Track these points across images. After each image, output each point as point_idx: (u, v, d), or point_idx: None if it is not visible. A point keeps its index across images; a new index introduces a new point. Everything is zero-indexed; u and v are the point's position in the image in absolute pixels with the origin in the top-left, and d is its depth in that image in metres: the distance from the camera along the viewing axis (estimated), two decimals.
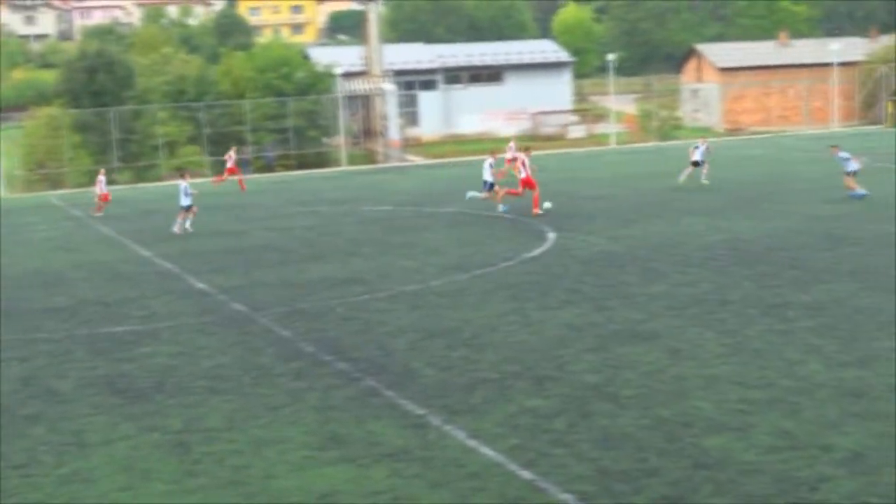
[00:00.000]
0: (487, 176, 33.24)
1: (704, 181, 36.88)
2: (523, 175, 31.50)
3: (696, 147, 38.49)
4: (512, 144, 45.45)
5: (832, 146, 32.93)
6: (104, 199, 40.74)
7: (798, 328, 15.28)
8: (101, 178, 41.32)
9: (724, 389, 12.47)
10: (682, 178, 37.73)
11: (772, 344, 14.48)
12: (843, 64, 75.06)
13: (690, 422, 11.36)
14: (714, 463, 10.14)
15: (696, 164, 37.73)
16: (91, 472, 11.04)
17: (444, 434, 11.49)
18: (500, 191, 32.52)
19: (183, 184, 32.31)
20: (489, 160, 33.50)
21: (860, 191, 30.30)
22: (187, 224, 32.04)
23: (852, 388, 12.22)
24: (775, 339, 14.71)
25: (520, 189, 31.64)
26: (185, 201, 32.02)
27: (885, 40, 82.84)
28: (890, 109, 73.59)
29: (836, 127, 73.96)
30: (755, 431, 10.93)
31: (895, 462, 9.83)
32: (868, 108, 77.74)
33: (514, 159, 41.68)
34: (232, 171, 49.01)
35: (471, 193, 33.49)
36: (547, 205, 31.43)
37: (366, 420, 12.14)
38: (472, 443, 11.12)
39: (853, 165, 31.05)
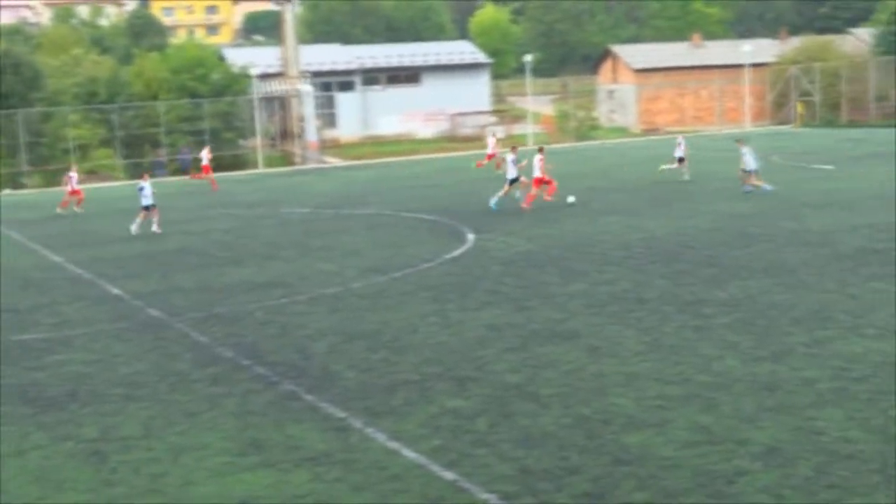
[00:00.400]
0: (512, 172, 32.80)
1: (686, 177, 37.33)
2: (537, 174, 31.91)
3: (679, 143, 38.70)
4: (491, 139, 48.04)
5: (737, 140, 34.73)
6: (75, 193, 40.79)
7: (714, 324, 15.53)
8: (73, 174, 41.76)
9: (642, 386, 12.61)
10: (664, 167, 39.33)
11: (688, 340, 14.69)
12: (754, 65, 76.60)
13: (610, 419, 11.46)
14: (634, 459, 10.24)
15: (681, 160, 38.02)
16: (2, 484, 10.73)
17: (365, 436, 11.42)
18: (525, 182, 32.79)
19: (143, 184, 31.87)
20: (511, 156, 33.02)
21: (748, 186, 32.12)
22: (154, 226, 31.54)
23: (767, 382, 12.44)
24: (692, 336, 14.92)
25: (533, 189, 32.16)
26: (144, 201, 31.49)
27: (795, 42, 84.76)
28: (799, 110, 75.30)
29: (748, 127, 75.40)
30: (673, 427, 11.07)
31: (809, 454, 10.03)
32: (779, 109, 79.45)
33: (494, 156, 43.02)
34: (206, 170, 49.26)
35: (493, 201, 32.91)
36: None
37: (285, 424, 12.00)
38: (394, 444, 11.07)
39: (751, 165, 32.46)
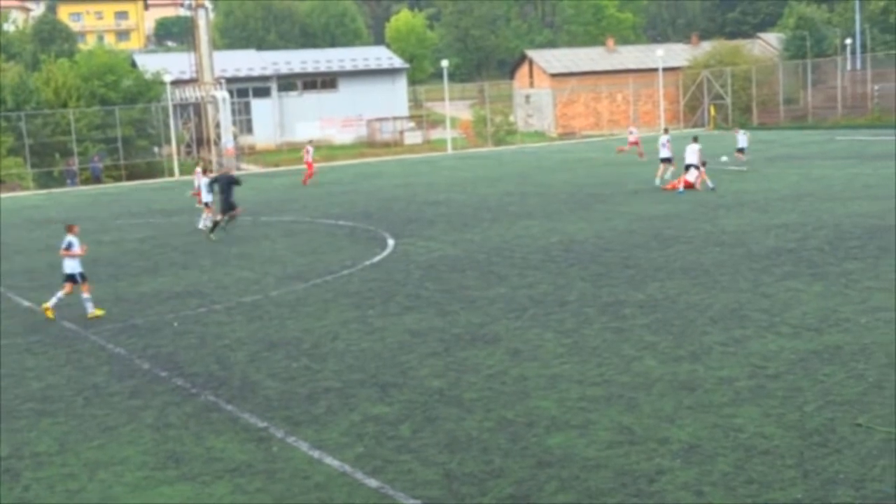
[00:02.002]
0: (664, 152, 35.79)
1: (667, 176, 36.86)
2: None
3: (664, 144, 37.12)
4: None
5: (664, 129, 36.68)
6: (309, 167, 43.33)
7: (633, 325, 15.71)
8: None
9: (564, 388, 12.69)
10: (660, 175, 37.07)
11: (609, 342, 14.83)
12: (667, 69, 77.89)
13: (533, 421, 11.51)
14: (557, 461, 10.29)
15: (666, 160, 36.50)
16: None
17: (287, 446, 11.29)
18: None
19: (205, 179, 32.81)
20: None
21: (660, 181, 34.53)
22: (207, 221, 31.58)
23: (686, 381, 12.62)
24: (612, 337, 15.07)
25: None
26: (207, 197, 31.86)
27: (706, 46, 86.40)
28: (712, 112, 76.78)
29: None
30: (596, 428, 11.16)
31: (727, 451, 10.19)
32: (692, 112, 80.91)
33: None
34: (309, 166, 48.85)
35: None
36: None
37: (205, 436, 11.81)
38: (317, 453, 10.97)
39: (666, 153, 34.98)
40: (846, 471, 9.53)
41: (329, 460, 10.74)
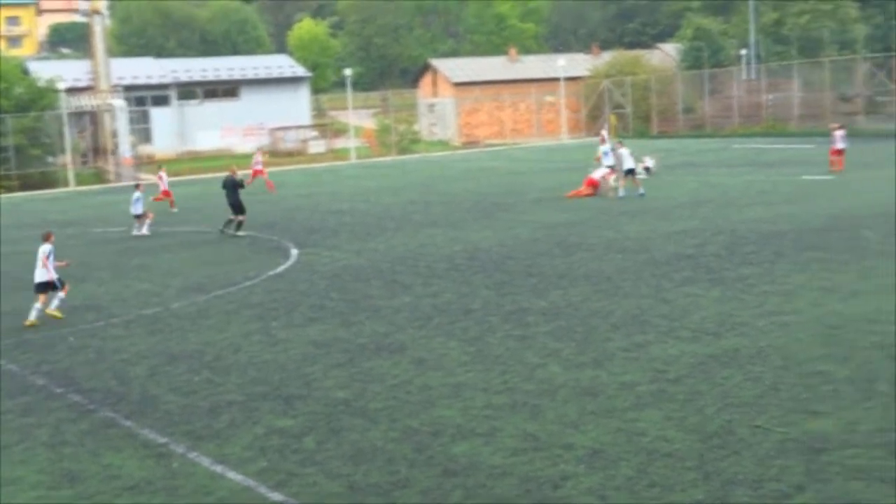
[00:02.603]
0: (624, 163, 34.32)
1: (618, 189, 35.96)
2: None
3: (607, 153, 36.38)
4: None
5: (618, 141, 36.33)
6: (166, 194, 40.93)
7: (537, 333, 15.81)
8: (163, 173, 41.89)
9: (469, 396, 12.69)
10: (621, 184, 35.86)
11: (513, 349, 14.89)
12: (569, 79, 78.96)
13: (439, 430, 11.48)
14: (462, 469, 10.27)
15: (630, 171, 34.83)
16: None
17: (188, 461, 11.05)
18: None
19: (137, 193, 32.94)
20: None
21: (621, 191, 33.99)
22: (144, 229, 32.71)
23: (589, 387, 12.73)
24: (516, 345, 15.14)
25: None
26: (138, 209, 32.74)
27: (606, 56, 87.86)
28: (613, 122, 78.01)
29: (566, 139, 77.57)
30: (501, 435, 11.18)
31: (630, 455, 10.30)
32: (594, 121, 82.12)
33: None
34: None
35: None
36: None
37: (103, 453, 11.50)
38: (219, 468, 10.76)
39: (629, 164, 34.03)
40: (745, 472, 9.71)
41: (232, 475, 10.55)
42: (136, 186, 34.14)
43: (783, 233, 23.95)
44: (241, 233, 30.50)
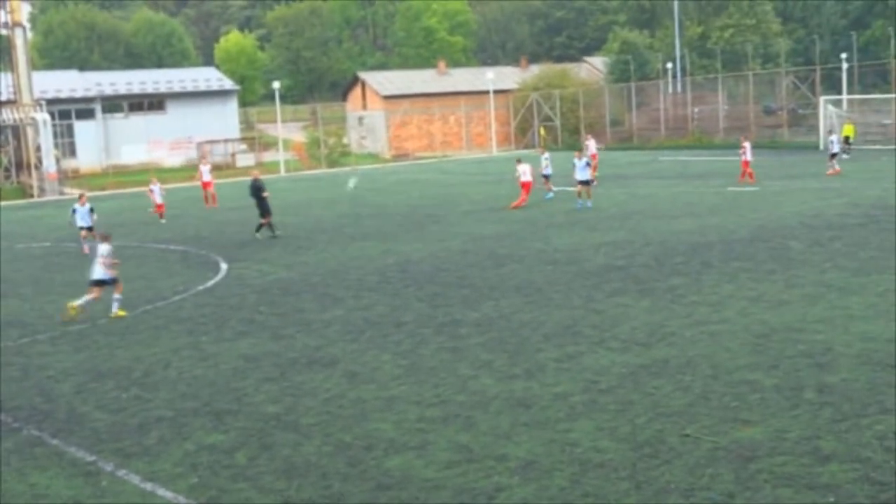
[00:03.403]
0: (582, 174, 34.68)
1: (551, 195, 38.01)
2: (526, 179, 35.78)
3: (582, 167, 34.96)
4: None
5: (577, 151, 37.11)
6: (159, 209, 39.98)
7: (469, 345, 15.82)
8: (156, 186, 40.80)
9: (402, 409, 12.66)
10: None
11: (445, 361, 14.89)
12: (498, 91, 79.44)
13: (372, 444, 11.42)
14: (396, 483, 10.23)
15: (584, 182, 34.64)
16: None
17: (117, 480, 10.85)
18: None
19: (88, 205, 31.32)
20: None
21: (580, 202, 34.23)
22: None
23: (521, 398, 12.77)
24: (448, 357, 15.14)
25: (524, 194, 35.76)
26: (86, 221, 31.13)
27: (535, 69, 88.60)
28: (542, 134, 78.66)
29: (495, 151, 77.99)
30: (434, 448, 11.16)
31: (563, 466, 10.35)
32: (523, 133, 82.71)
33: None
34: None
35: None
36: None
37: (29, 472, 11.24)
38: (149, 486, 10.58)
39: (583, 175, 34.55)
40: (676, 480, 9.81)
41: (162, 492, 10.38)
42: (80, 197, 32.97)
43: (711, 243, 24.33)
44: (277, 232, 31.46)
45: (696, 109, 74.09)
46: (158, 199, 40.41)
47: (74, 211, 31.44)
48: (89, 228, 31.04)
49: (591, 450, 10.77)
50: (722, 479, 9.75)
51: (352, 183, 31.85)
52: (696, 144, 68.12)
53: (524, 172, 35.95)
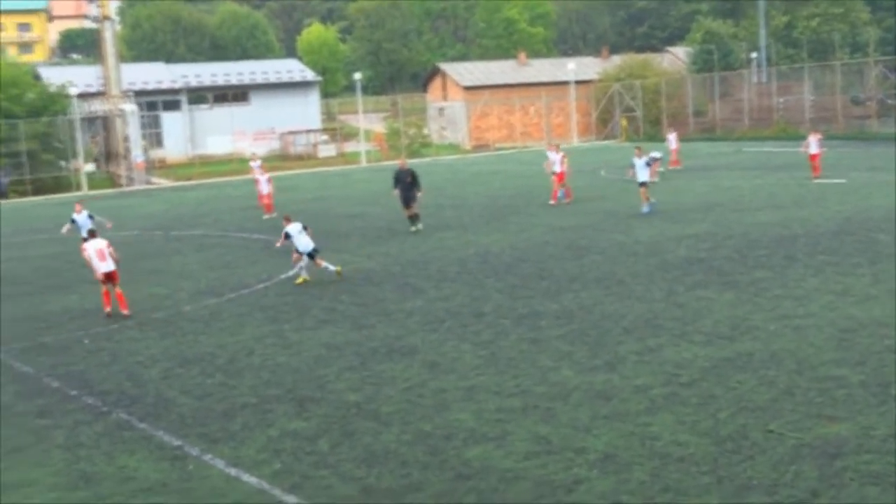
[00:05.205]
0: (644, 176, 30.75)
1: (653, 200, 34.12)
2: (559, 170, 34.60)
3: (644, 165, 31.41)
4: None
5: (637, 147, 32.94)
6: (265, 199, 37.64)
7: (549, 336, 15.80)
8: (263, 178, 38.27)
9: (482, 400, 12.70)
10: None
11: (525, 353, 14.90)
12: (579, 82, 78.90)
13: (451, 434, 11.49)
14: (475, 473, 10.28)
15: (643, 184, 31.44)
16: None
17: (203, 464, 11.09)
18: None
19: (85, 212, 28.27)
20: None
21: (646, 207, 30.28)
22: None
23: (601, 391, 12.73)
24: (528, 348, 15.14)
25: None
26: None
27: (616, 60, 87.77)
28: (623, 125, 77.93)
29: (576, 142, 77.51)
30: (513, 439, 11.18)
31: (643, 459, 10.30)
32: (604, 124, 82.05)
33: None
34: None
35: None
36: None
37: (118, 455, 11.55)
38: (233, 471, 10.80)
39: (644, 176, 30.74)
40: (759, 476, 9.70)
41: (246, 477, 10.59)
42: (76, 206, 29.39)
43: (795, 236, 23.91)
44: (419, 226, 29.81)
45: (780, 100, 72.70)
46: (265, 190, 38.02)
47: (73, 220, 28.12)
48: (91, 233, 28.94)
49: (672, 444, 10.69)
50: (806, 476, 9.62)
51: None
52: (781, 135, 66.84)
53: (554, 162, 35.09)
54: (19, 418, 13.35)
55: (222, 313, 19.54)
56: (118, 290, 20.12)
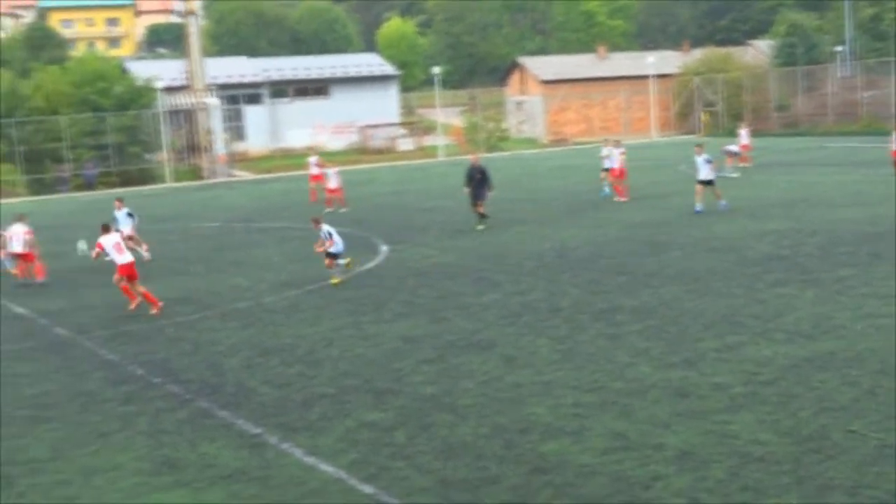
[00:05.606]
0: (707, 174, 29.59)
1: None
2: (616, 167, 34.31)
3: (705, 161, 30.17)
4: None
5: (697, 145, 32.06)
6: (335, 192, 37.64)
7: (627, 332, 15.71)
8: (332, 171, 38.43)
9: (558, 394, 12.69)
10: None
11: (603, 348, 14.83)
12: (659, 76, 78.11)
13: (528, 428, 11.50)
14: (552, 467, 10.28)
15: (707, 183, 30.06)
16: None
17: (281, 452, 11.27)
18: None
19: (125, 209, 27.51)
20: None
21: (699, 206, 29.29)
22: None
23: (680, 388, 12.62)
24: (606, 344, 15.08)
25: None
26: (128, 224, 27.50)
27: (697, 53, 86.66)
28: (704, 119, 76.95)
29: (655, 136, 76.79)
30: (590, 434, 11.15)
31: (722, 457, 10.19)
32: (684, 118, 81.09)
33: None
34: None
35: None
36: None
37: (199, 442, 11.79)
38: (311, 460, 10.95)
39: (705, 174, 29.71)
40: (841, 477, 9.54)
41: (324, 467, 10.73)
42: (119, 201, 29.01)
43: (881, 234, 23.38)
44: (483, 226, 29.14)
45: (866, 94, 71.05)
46: (333, 184, 37.80)
47: (115, 219, 27.26)
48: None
49: (752, 442, 10.56)
50: (888, 478, 9.42)
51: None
52: (867, 131, 65.32)
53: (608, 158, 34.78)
54: (105, 405, 13.70)
55: (302, 305, 19.79)
56: (141, 287, 20.09)
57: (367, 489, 10.04)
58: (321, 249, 21.88)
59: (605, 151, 35.49)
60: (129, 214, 27.88)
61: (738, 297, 17.68)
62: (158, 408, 13.33)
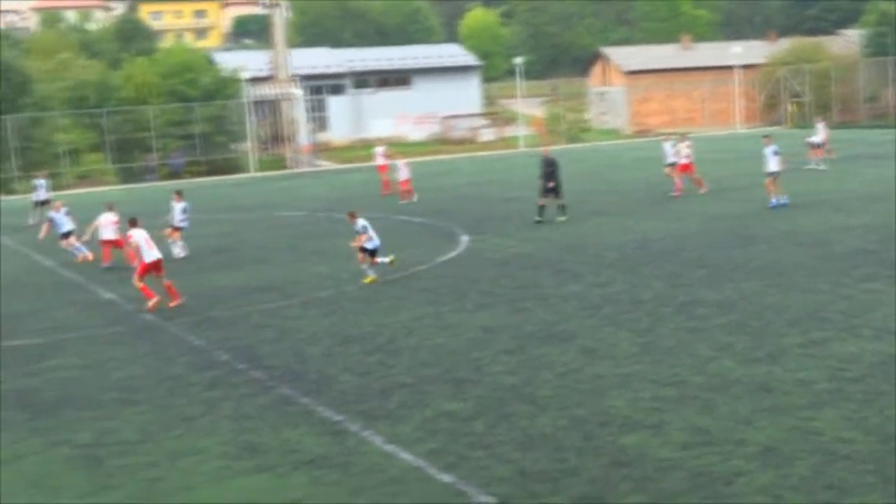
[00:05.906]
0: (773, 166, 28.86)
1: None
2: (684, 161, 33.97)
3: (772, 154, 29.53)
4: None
5: (765, 136, 31.47)
6: (404, 185, 37.85)
7: (709, 326, 15.54)
8: (400, 163, 38.53)
9: (638, 388, 12.62)
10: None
11: (684, 342, 14.70)
12: (744, 66, 76.77)
13: (607, 420, 11.47)
14: (631, 460, 10.24)
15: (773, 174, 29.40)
16: None
17: (362, 440, 11.41)
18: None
19: (182, 203, 27.40)
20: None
21: (774, 199, 28.73)
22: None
23: (763, 383, 12.46)
24: (687, 337, 14.93)
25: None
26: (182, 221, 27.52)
27: (784, 43, 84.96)
28: (791, 110, 75.47)
29: (739, 128, 75.57)
30: (670, 428, 11.08)
31: (806, 455, 10.04)
32: (770, 110, 79.59)
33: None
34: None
35: None
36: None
37: (282, 428, 11.99)
38: (391, 448, 11.06)
39: (774, 166, 29.09)
40: None
41: (403, 455, 10.83)
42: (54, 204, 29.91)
43: None
44: (540, 218, 28.82)
45: None
46: (403, 176, 38.01)
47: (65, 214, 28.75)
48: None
49: (836, 440, 10.39)
50: None
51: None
52: None
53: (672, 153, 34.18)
54: (191, 389, 14.00)
55: (382, 294, 19.95)
56: (166, 281, 20.06)
57: (447, 478, 10.12)
58: (356, 244, 21.56)
59: (667, 147, 34.96)
60: (184, 210, 27.45)
61: (824, 292, 17.36)
62: (242, 393, 13.58)
